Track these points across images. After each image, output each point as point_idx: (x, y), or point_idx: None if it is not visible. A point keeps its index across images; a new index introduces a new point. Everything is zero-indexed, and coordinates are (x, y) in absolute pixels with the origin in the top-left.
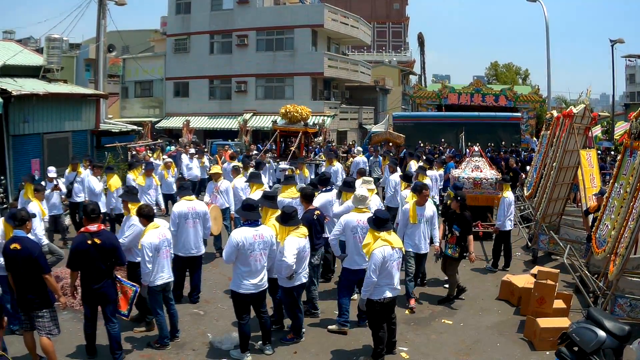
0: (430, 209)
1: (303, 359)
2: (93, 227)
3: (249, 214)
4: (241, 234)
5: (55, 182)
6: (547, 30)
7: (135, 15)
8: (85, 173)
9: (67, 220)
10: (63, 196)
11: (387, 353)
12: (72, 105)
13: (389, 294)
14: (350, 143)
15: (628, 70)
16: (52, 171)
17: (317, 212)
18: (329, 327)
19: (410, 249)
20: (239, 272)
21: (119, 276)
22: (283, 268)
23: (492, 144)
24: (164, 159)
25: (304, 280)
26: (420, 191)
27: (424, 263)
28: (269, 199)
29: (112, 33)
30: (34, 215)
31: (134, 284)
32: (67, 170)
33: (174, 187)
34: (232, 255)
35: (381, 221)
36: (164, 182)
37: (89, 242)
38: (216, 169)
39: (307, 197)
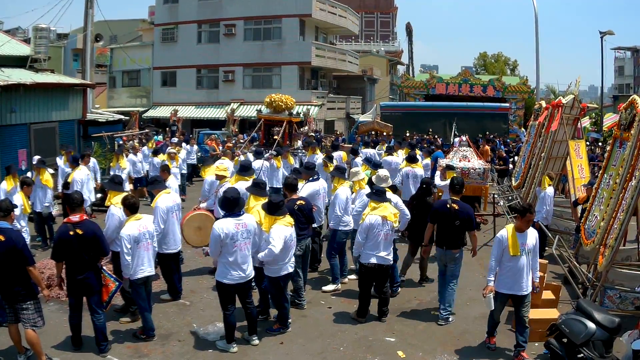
0: (532, 235)
1: (289, 349)
2: (75, 218)
3: (229, 207)
4: (222, 226)
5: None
6: (536, 21)
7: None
8: (59, 162)
9: (55, 211)
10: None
11: (378, 319)
12: (59, 95)
13: (373, 260)
14: (339, 133)
15: (617, 62)
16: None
17: (300, 202)
18: (324, 288)
19: (504, 290)
20: (223, 262)
21: (104, 268)
22: (266, 256)
23: (488, 134)
24: (168, 151)
25: (290, 270)
26: (524, 214)
27: (523, 306)
28: (256, 186)
29: (99, 23)
30: (15, 207)
31: (117, 278)
32: (62, 161)
33: (178, 177)
34: (217, 249)
35: (380, 193)
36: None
37: (71, 232)
38: (223, 170)
39: (289, 186)
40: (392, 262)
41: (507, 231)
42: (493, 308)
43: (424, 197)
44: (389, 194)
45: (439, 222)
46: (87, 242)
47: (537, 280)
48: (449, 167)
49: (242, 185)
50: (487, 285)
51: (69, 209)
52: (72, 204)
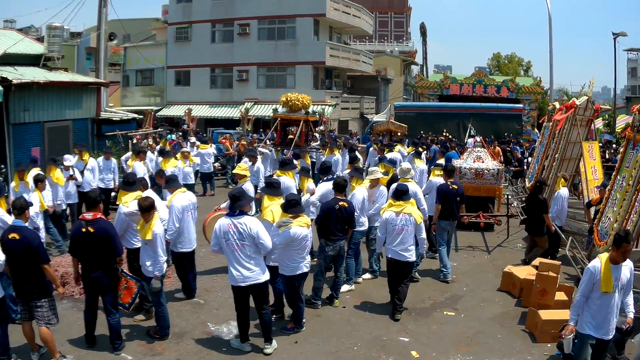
0: (627, 268)
1: (304, 349)
2: (89, 215)
3: (229, 206)
4: (219, 222)
5: (71, 172)
6: (550, 22)
7: (136, 4)
8: (73, 161)
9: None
10: (78, 184)
11: (391, 315)
12: (72, 93)
13: (389, 255)
14: (353, 132)
15: (630, 63)
16: (68, 159)
17: (342, 203)
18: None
19: (589, 331)
20: (227, 261)
21: (125, 270)
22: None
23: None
24: (182, 151)
25: (305, 269)
26: (620, 243)
27: (604, 354)
28: (270, 186)
29: (113, 21)
30: (31, 204)
31: (138, 278)
32: (76, 159)
33: (191, 176)
34: (214, 243)
35: (400, 193)
36: (180, 171)
37: (83, 230)
38: (243, 169)
39: (337, 186)
40: (409, 259)
41: (600, 262)
42: (571, 352)
43: (536, 193)
44: (412, 185)
45: (446, 200)
46: (98, 240)
47: (632, 317)
48: (436, 166)
49: (285, 180)
50: (568, 325)
51: (86, 206)
52: (88, 202)
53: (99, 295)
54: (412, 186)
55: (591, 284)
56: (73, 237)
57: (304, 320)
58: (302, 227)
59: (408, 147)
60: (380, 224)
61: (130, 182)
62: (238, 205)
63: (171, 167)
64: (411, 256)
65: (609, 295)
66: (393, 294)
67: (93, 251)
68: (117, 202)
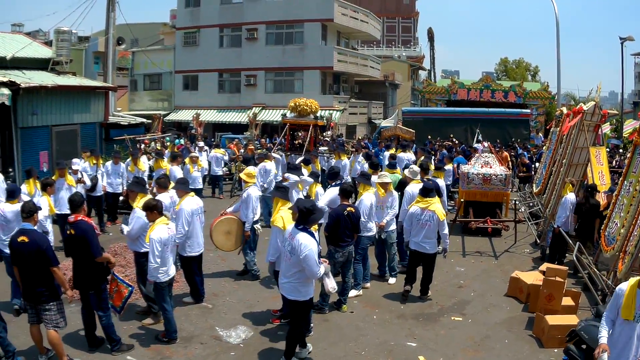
0: None
1: (312, 354)
2: (71, 218)
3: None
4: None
5: (79, 175)
6: (558, 27)
7: (144, 8)
8: (82, 165)
9: None
10: (87, 188)
11: (421, 294)
12: (80, 97)
13: (412, 246)
14: (361, 137)
15: (637, 68)
16: (76, 163)
17: (350, 208)
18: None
19: None
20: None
21: (116, 274)
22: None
23: (514, 140)
24: (190, 156)
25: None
26: None
27: None
28: (279, 190)
29: (121, 26)
30: (39, 208)
31: (130, 284)
32: (85, 163)
33: (199, 181)
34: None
35: (426, 190)
36: (189, 176)
37: (68, 232)
38: (247, 174)
39: (344, 192)
40: (429, 252)
41: (626, 285)
42: None
43: (588, 198)
44: (439, 180)
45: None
46: (77, 241)
47: None
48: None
49: (333, 192)
50: (600, 344)
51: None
52: (71, 205)
53: (87, 291)
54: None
55: (615, 308)
56: (64, 239)
57: (312, 324)
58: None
59: (415, 152)
60: (407, 217)
61: (141, 184)
62: (312, 220)
63: (160, 169)
64: (431, 249)
65: (630, 325)
66: (407, 281)
67: (75, 251)
68: (134, 206)
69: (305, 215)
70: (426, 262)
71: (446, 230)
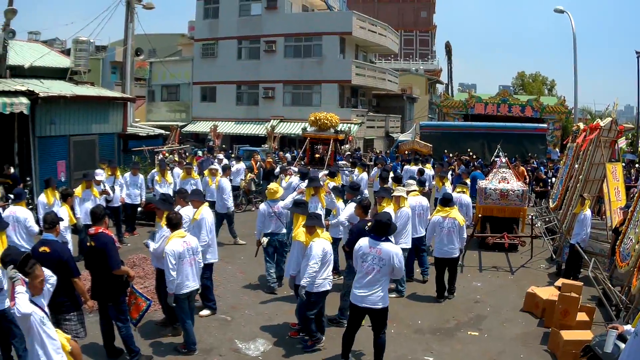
0: None
1: None
2: (92, 230)
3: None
4: (359, 243)
5: (102, 186)
6: (575, 42)
7: (162, 19)
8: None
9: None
10: (110, 199)
11: (448, 294)
12: (99, 108)
13: (436, 254)
14: (378, 151)
15: None
16: (100, 174)
17: (370, 224)
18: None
19: None
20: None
21: (135, 287)
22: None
23: (530, 155)
24: (210, 168)
25: (328, 287)
26: None
27: None
28: (298, 205)
29: (139, 36)
30: (61, 219)
31: (148, 298)
32: (105, 175)
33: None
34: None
35: (446, 200)
36: (208, 189)
37: (88, 244)
38: (272, 190)
39: (363, 207)
40: (453, 255)
41: None
42: (609, 350)
43: None
44: (464, 197)
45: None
46: (98, 253)
47: None
48: (461, 183)
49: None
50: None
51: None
52: (93, 217)
53: (105, 303)
54: (457, 195)
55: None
56: (84, 251)
57: (322, 337)
58: (327, 241)
59: (433, 166)
60: (430, 226)
61: (169, 201)
62: (391, 230)
63: (188, 179)
64: (455, 253)
65: None
66: (440, 293)
67: (95, 264)
68: (162, 224)
69: (385, 227)
70: (451, 265)
71: (465, 235)
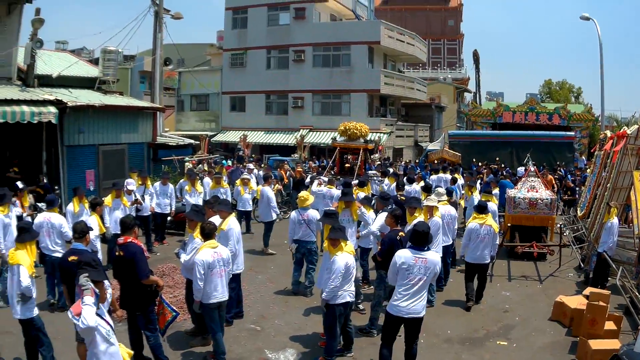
0: None
1: None
2: (121, 239)
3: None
4: (399, 254)
5: (134, 196)
6: (601, 50)
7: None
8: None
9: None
10: (141, 209)
11: (475, 301)
12: (128, 117)
13: (470, 260)
14: (407, 161)
15: None
16: (131, 184)
17: (402, 233)
18: None
19: None
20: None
21: (163, 297)
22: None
23: (558, 163)
24: (242, 177)
25: (349, 299)
26: None
27: None
28: (328, 216)
29: (167, 46)
30: (91, 229)
31: (175, 309)
32: (135, 184)
33: (250, 202)
34: (393, 276)
35: (481, 208)
36: (239, 198)
37: (117, 253)
38: (306, 196)
39: (395, 217)
40: (487, 261)
41: None
42: None
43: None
44: (490, 204)
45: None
46: (126, 263)
47: None
48: (487, 193)
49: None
50: None
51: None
52: (122, 227)
53: (134, 312)
54: (491, 204)
55: None
56: (112, 260)
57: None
58: (349, 255)
59: (463, 175)
60: (466, 233)
61: (201, 212)
62: (430, 239)
63: (218, 188)
64: (487, 259)
65: None
66: (469, 297)
67: (123, 273)
68: (195, 236)
69: (424, 237)
70: (482, 272)
71: (497, 241)
